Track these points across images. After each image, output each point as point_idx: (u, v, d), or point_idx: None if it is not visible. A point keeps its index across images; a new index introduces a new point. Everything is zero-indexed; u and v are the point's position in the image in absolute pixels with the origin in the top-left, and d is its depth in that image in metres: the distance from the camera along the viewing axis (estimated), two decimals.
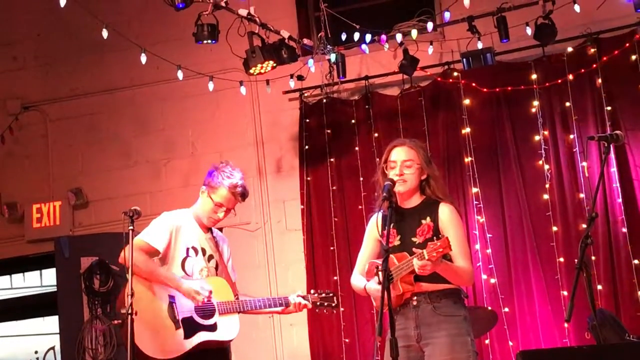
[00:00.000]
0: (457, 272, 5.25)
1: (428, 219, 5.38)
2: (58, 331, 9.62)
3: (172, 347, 5.78)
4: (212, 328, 5.90)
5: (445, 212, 5.39)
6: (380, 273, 5.16)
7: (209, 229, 6.22)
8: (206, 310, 5.94)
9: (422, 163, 5.47)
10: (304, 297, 6.20)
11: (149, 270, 5.83)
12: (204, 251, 6.11)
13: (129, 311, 5.42)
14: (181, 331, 5.82)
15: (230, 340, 6.05)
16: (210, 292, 5.91)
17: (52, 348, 10.00)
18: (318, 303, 6.26)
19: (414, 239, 5.33)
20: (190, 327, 5.85)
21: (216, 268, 6.15)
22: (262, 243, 9.54)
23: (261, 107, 9.77)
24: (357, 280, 5.59)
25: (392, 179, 5.35)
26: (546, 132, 8.73)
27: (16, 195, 10.15)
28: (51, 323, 10.17)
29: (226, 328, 5.94)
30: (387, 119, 9.19)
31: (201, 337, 5.84)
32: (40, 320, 10.59)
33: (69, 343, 9.27)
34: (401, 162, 5.44)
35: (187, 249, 6.05)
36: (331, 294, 6.33)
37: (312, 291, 6.37)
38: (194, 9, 7.62)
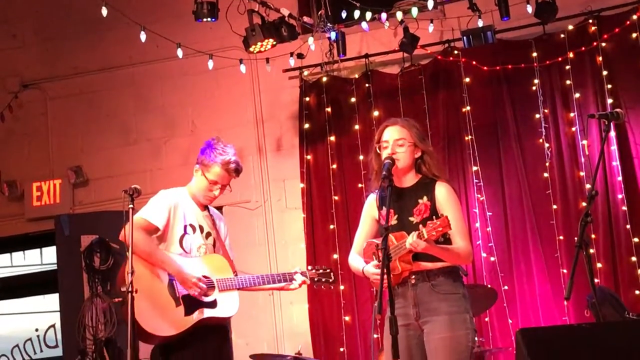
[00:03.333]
0: (452, 252, 5.25)
1: (425, 198, 5.37)
2: (58, 309, 9.64)
3: (173, 324, 5.79)
4: (212, 305, 5.90)
5: (442, 191, 5.38)
6: (379, 252, 5.16)
7: (205, 207, 6.21)
8: (208, 286, 5.94)
9: (414, 141, 5.44)
10: (302, 274, 6.19)
11: (148, 251, 5.82)
12: (201, 228, 6.10)
13: (130, 289, 5.43)
14: (182, 308, 5.83)
15: (230, 317, 6.04)
16: (206, 290, 5.89)
17: (53, 326, 10.06)
18: (315, 279, 6.26)
19: (411, 219, 5.33)
20: (190, 304, 5.85)
21: (214, 245, 6.15)
22: (262, 221, 9.56)
23: (261, 85, 9.76)
24: (356, 261, 5.58)
25: (392, 157, 5.34)
26: (546, 110, 8.72)
27: (16, 174, 10.17)
28: (51, 301, 10.19)
29: (226, 305, 5.94)
30: (387, 97, 9.18)
31: (202, 313, 5.85)
32: (41, 298, 10.60)
33: (70, 321, 9.28)
34: (393, 141, 5.42)
35: (185, 227, 6.04)
36: (328, 270, 6.32)
37: (309, 267, 6.36)
38: None
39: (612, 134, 8.31)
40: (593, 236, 8.27)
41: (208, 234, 6.13)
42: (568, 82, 8.68)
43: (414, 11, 8.56)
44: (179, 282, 5.85)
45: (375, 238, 5.43)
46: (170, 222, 6.00)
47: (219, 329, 6.01)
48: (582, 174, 8.52)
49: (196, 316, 5.83)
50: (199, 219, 6.12)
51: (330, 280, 6.29)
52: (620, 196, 8.34)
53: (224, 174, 6.03)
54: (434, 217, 5.20)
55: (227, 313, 5.96)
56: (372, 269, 5.35)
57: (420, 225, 5.08)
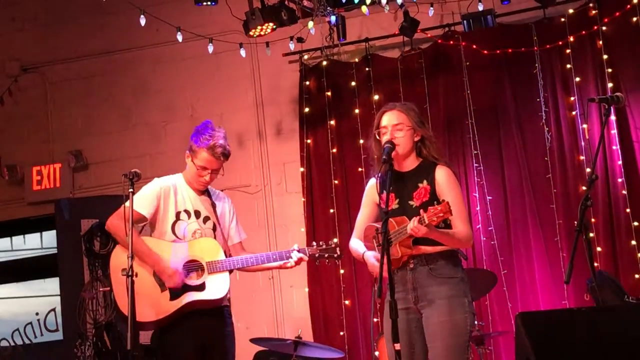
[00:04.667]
0: (452, 236, 5.25)
1: (425, 182, 5.38)
2: (59, 293, 9.66)
3: (157, 309, 5.78)
4: (200, 288, 5.87)
5: (442, 175, 5.38)
6: (379, 236, 5.16)
7: (204, 192, 6.19)
8: (194, 270, 5.93)
9: (413, 125, 5.45)
10: (299, 251, 6.14)
11: (127, 242, 5.79)
12: (198, 213, 6.07)
13: (129, 273, 5.43)
14: (167, 293, 5.81)
15: (220, 299, 5.98)
16: (183, 283, 5.88)
17: (53, 310, 10.07)
18: (317, 255, 6.16)
19: (410, 202, 5.33)
20: (177, 288, 5.85)
21: (214, 229, 6.13)
22: (262, 205, 9.57)
23: (261, 69, 9.75)
24: (357, 245, 5.59)
25: (392, 141, 5.35)
26: (547, 94, 8.71)
27: (16, 158, 10.17)
28: (52, 285, 10.21)
29: (215, 287, 5.90)
30: (387, 81, 9.17)
31: (188, 297, 5.83)
32: (41, 282, 10.61)
33: (70, 305, 9.31)
34: (392, 126, 5.43)
35: (178, 213, 6.01)
36: (333, 245, 6.22)
37: (313, 243, 6.26)
38: None
39: (612, 117, 8.32)
40: (593, 220, 8.27)
41: (206, 218, 6.10)
42: (568, 66, 8.67)
43: None
44: (156, 271, 5.84)
45: (376, 222, 5.43)
46: (161, 210, 5.99)
47: (214, 311, 5.98)
48: (582, 157, 8.52)
49: (181, 300, 5.82)
50: (195, 204, 6.09)
51: (336, 255, 6.19)
52: (620, 180, 8.35)
53: (211, 159, 5.98)
54: (435, 202, 5.21)
55: (214, 295, 5.91)
56: (372, 259, 5.36)
57: (421, 210, 5.07)
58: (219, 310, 6.01)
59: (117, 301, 5.80)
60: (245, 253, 6.16)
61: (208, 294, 5.90)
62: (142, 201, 5.94)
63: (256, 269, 6.23)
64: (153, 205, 5.97)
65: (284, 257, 6.08)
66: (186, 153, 6.09)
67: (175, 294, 5.84)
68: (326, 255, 6.17)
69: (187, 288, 5.87)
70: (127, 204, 5.73)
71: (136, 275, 5.47)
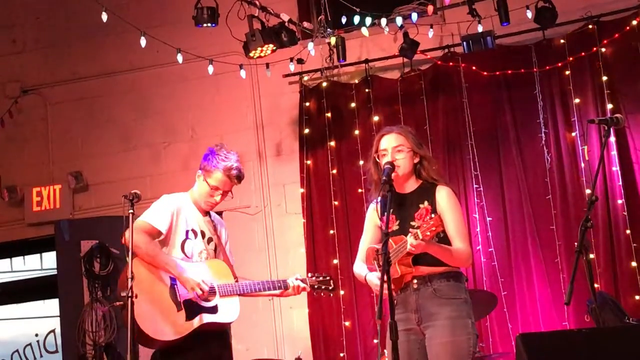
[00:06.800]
0: (451, 253, 5.27)
1: (426, 202, 5.40)
2: (58, 314, 9.65)
3: (175, 329, 5.79)
4: (213, 310, 5.90)
5: (443, 195, 5.41)
6: (379, 257, 5.17)
7: (207, 213, 6.22)
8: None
9: (412, 147, 5.49)
10: (302, 280, 6.19)
11: (151, 254, 5.82)
12: (203, 234, 6.11)
13: (129, 294, 5.44)
14: (183, 313, 5.83)
15: (231, 323, 6.05)
16: (209, 291, 5.89)
17: (53, 331, 10.05)
18: (315, 286, 6.25)
19: (412, 223, 5.34)
20: (191, 309, 5.85)
21: (215, 251, 6.15)
22: (262, 226, 9.56)
23: (261, 90, 9.77)
24: (360, 268, 5.61)
25: (391, 162, 5.37)
26: (546, 116, 8.72)
27: (16, 179, 10.17)
28: (51, 306, 10.19)
29: (227, 310, 5.95)
30: (387, 102, 9.19)
31: (203, 319, 5.85)
32: (41, 303, 10.60)
33: (70, 326, 9.30)
34: (392, 148, 5.47)
35: (187, 232, 6.05)
36: (328, 278, 6.31)
37: (309, 274, 6.36)
38: None
39: (612, 139, 8.32)
40: (593, 241, 8.26)
41: (210, 240, 6.13)
42: (568, 87, 8.68)
43: (414, 16, 8.57)
44: (181, 284, 5.85)
45: (378, 244, 5.44)
46: (173, 227, 6.01)
47: (220, 335, 6.02)
48: (582, 179, 8.52)
49: (197, 321, 5.83)
50: (200, 224, 6.13)
51: (330, 288, 6.28)
52: (620, 201, 8.35)
53: (226, 180, 6.05)
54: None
55: (227, 318, 5.97)
56: (374, 279, 5.37)
57: (413, 230, 5.09)
58: (222, 333, 6.04)
59: (136, 318, 5.74)
60: (239, 278, 6.19)
61: (221, 317, 5.93)
62: (158, 217, 5.96)
63: (257, 295, 6.29)
64: (168, 221, 5.99)
65: (288, 286, 6.15)
66: (198, 172, 6.13)
67: (191, 314, 5.84)
68: (323, 287, 6.26)
69: (201, 309, 5.88)
70: (141, 218, 5.78)
71: (136, 297, 5.47)
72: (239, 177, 6.11)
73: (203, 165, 6.11)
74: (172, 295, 5.87)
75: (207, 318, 5.87)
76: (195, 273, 5.91)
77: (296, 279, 6.18)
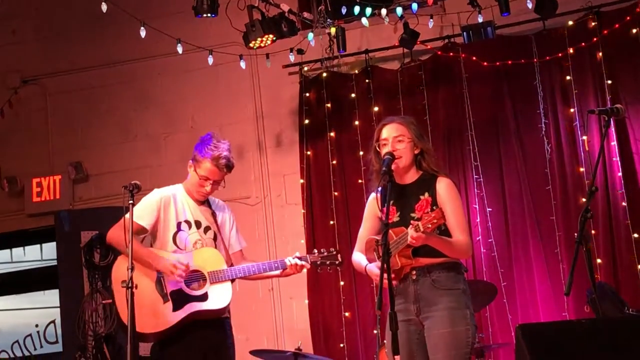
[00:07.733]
0: (451, 244, 5.27)
1: (426, 194, 5.40)
2: (58, 305, 9.65)
3: (160, 320, 5.77)
4: (203, 298, 5.87)
5: (443, 186, 5.40)
6: (379, 248, 5.17)
7: (205, 201, 6.20)
8: (196, 281, 5.93)
9: (413, 137, 5.48)
10: (300, 258, 6.12)
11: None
12: (198, 224, 6.09)
13: (129, 284, 5.43)
14: (169, 304, 5.81)
15: (223, 309, 5.98)
16: (187, 266, 5.86)
17: (53, 321, 10.06)
18: (319, 262, 6.13)
19: (412, 215, 5.34)
20: (179, 299, 5.83)
21: (214, 239, 6.13)
22: (262, 217, 9.56)
23: (261, 81, 9.76)
24: (359, 258, 5.60)
25: (391, 152, 5.36)
26: (546, 106, 8.72)
27: (16, 169, 10.18)
28: (52, 297, 10.20)
29: (217, 297, 5.90)
30: (387, 92, 9.18)
31: (191, 307, 5.83)
32: (41, 294, 10.61)
33: (70, 316, 9.31)
34: (392, 138, 5.46)
35: (179, 224, 6.03)
36: (334, 252, 6.17)
37: (314, 251, 6.27)
38: None
39: (612, 129, 8.31)
40: (593, 232, 8.27)
41: (207, 228, 6.11)
42: (568, 77, 8.67)
43: (414, 6, 8.56)
44: (162, 272, 5.84)
45: (377, 235, 5.43)
46: (161, 221, 6.00)
47: (219, 323, 5.99)
48: (582, 169, 8.51)
49: (185, 310, 5.82)
50: (195, 214, 6.10)
51: (337, 262, 6.17)
52: (620, 191, 8.34)
53: (214, 170, 6.00)
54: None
55: (217, 305, 5.91)
56: (374, 270, 5.37)
57: (414, 222, 5.09)
58: (219, 322, 6.01)
59: (120, 313, 5.80)
60: (246, 261, 6.16)
61: (211, 304, 5.89)
62: (142, 212, 5.95)
63: (257, 277, 6.23)
64: (153, 216, 5.98)
65: (286, 265, 6.08)
66: (189, 162, 6.11)
67: (178, 304, 5.83)
68: (328, 262, 6.16)
69: (189, 298, 5.86)
70: (127, 215, 5.74)
71: (136, 287, 5.47)
72: (229, 167, 6.04)
73: (193, 154, 6.08)
74: (158, 288, 5.85)
75: (196, 306, 5.84)
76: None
77: (294, 257, 6.10)
